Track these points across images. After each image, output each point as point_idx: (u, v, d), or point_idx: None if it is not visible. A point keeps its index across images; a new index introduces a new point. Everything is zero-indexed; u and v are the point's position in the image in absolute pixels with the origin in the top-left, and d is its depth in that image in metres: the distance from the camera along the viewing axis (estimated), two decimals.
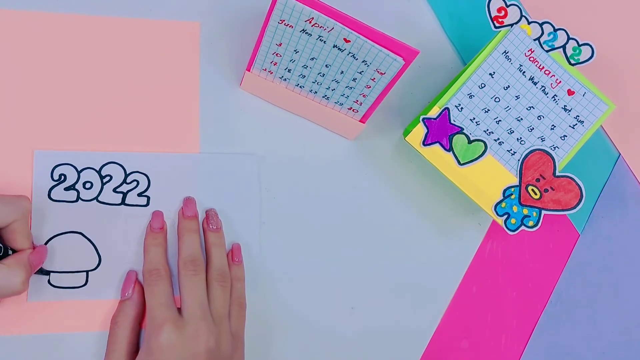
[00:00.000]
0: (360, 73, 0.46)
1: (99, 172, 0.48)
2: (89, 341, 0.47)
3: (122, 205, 0.49)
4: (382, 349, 0.53)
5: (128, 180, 0.49)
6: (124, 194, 0.49)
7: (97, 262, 0.48)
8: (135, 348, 0.46)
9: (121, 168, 0.49)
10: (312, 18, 0.42)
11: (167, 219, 0.49)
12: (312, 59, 0.46)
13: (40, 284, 0.46)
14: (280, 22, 0.44)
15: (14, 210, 0.42)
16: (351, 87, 0.48)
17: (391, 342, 0.53)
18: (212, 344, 0.43)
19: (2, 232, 0.43)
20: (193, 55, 0.52)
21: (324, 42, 0.44)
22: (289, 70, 0.48)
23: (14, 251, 0.43)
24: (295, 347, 0.51)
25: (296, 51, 0.46)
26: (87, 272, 0.47)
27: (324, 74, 0.48)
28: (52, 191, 0.47)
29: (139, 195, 0.49)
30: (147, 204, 0.49)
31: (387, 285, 0.53)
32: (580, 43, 0.52)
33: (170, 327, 0.43)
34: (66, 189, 0.48)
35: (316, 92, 0.50)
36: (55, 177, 0.47)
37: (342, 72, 0.47)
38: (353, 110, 0.50)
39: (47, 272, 0.46)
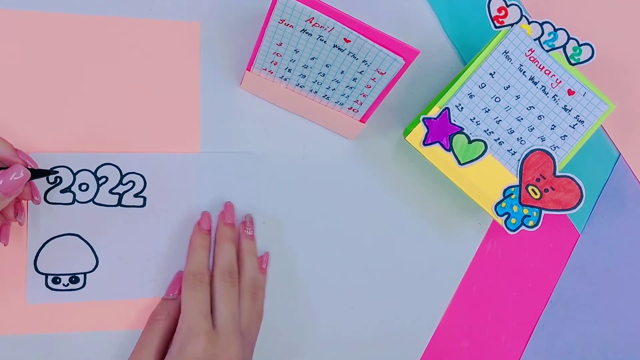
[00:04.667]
0: (360, 73, 0.46)
1: (94, 173, 0.48)
2: (87, 341, 0.47)
3: (119, 207, 0.49)
4: (382, 349, 0.53)
5: (124, 182, 0.49)
6: (120, 195, 0.49)
7: (95, 264, 0.48)
8: (165, 347, 0.46)
9: (117, 169, 0.49)
10: (313, 18, 0.42)
11: (165, 219, 0.49)
12: (313, 58, 0.46)
13: (38, 287, 0.46)
14: (281, 21, 0.44)
15: None
16: (351, 87, 0.48)
17: (391, 342, 0.53)
18: (240, 356, 0.44)
19: None
20: (193, 55, 0.52)
21: (324, 42, 0.44)
22: (290, 70, 0.48)
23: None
24: (295, 347, 0.51)
25: (296, 51, 0.46)
26: (84, 274, 0.47)
27: (324, 74, 0.48)
28: (48, 194, 0.47)
29: (135, 196, 0.49)
30: (144, 205, 0.49)
31: (387, 284, 0.53)
32: (580, 43, 0.52)
33: (206, 338, 0.43)
34: (62, 191, 0.48)
35: (316, 92, 0.50)
36: (51, 179, 0.47)
37: (342, 72, 0.47)
38: (353, 110, 0.50)
39: (47, 172, 0.45)
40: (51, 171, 0.46)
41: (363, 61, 0.45)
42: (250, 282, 0.48)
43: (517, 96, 0.52)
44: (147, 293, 0.48)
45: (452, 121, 0.51)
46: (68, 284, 0.47)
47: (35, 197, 0.46)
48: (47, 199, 0.47)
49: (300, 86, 0.50)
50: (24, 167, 0.42)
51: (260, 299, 0.49)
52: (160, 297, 0.48)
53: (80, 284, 0.47)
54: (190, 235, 0.49)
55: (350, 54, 0.45)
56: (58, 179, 0.47)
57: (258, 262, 0.50)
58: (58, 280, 0.47)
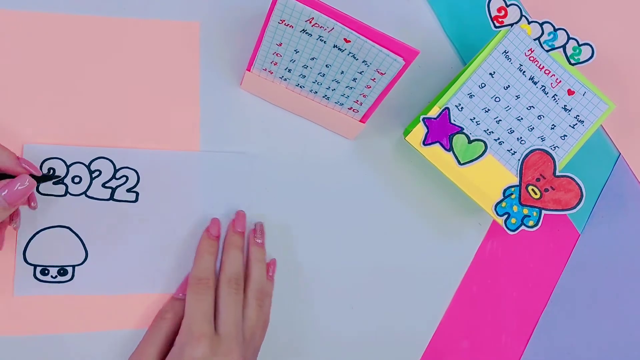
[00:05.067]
0: (360, 73, 0.46)
1: (88, 166, 0.48)
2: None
3: (111, 201, 0.48)
4: (382, 349, 0.53)
5: (117, 176, 0.49)
6: (113, 190, 0.49)
7: (84, 257, 0.48)
8: (169, 346, 0.45)
9: (110, 163, 0.49)
10: (312, 18, 0.42)
11: (157, 215, 0.49)
12: (313, 59, 0.46)
13: (26, 278, 0.46)
14: (281, 22, 0.44)
15: None
16: (351, 87, 0.48)
17: (391, 342, 0.53)
18: None
19: None
20: (193, 55, 0.52)
21: (324, 42, 0.44)
22: (289, 70, 0.48)
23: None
24: (295, 347, 0.51)
25: (296, 51, 0.46)
26: (73, 266, 0.47)
27: (324, 74, 0.48)
28: (41, 185, 0.47)
29: (128, 191, 0.49)
30: (136, 200, 0.49)
31: (387, 284, 0.53)
32: (580, 43, 0.52)
33: (207, 342, 0.43)
34: (55, 183, 0.47)
35: (316, 92, 0.50)
36: (44, 170, 0.47)
37: (342, 72, 0.47)
38: (353, 110, 0.50)
39: (50, 176, 0.46)
40: (54, 175, 0.46)
41: (363, 61, 0.45)
42: (257, 289, 0.47)
43: (517, 96, 0.52)
44: (136, 289, 0.48)
45: (452, 121, 0.51)
46: (56, 276, 0.47)
47: (32, 203, 0.45)
48: (40, 190, 0.47)
49: (300, 86, 0.50)
50: (29, 177, 0.42)
51: (267, 306, 0.49)
52: (149, 293, 0.48)
53: (69, 276, 0.47)
54: (199, 241, 0.49)
55: (350, 54, 0.45)
56: (51, 170, 0.47)
57: (266, 270, 0.50)
58: (46, 271, 0.47)
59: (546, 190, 0.52)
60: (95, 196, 0.48)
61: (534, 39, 0.52)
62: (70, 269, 0.47)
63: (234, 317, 0.45)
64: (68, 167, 0.48)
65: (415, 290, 0.54)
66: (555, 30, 0.52)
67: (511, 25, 0.52)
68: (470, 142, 0.51)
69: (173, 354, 0.43)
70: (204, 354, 0.42)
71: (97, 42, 0.50)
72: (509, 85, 0.52)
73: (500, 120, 0.52)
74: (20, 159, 0.44)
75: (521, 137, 0.52)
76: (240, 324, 0.45)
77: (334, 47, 0.45)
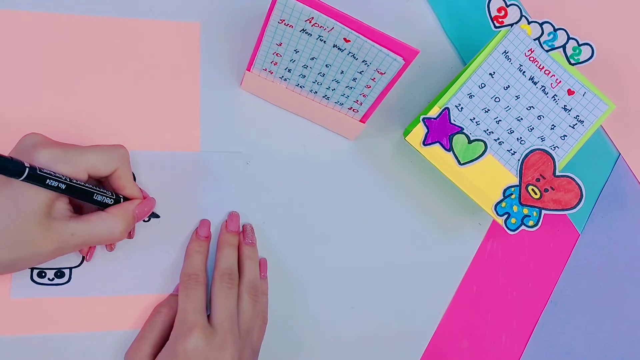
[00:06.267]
0: (360, 73, 0.46)
1: None
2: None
3: None
4: (382, 349, 0.53)
5: None
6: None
7: (81, 259, 0.48)
8: (164, 342, 0.45)
9: None
10: (312, 18, 0.43)
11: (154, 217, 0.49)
12: (312, 58, 0.46)
13: (23, 281, 0.46)
14: (280, 21, 0.44)
15: (115, 156, 0.43)
16: (351, 87, 0.48)
17: (391, 342, 0.53)
18: (235, 358, 0.43)
19: (110, 181, 0.44)
20: (193, 55, 0.52)
21: (324, 41, 0.44)
22: (289, 70, 0.48)
23: (126, 199, 0.45)
24: (294, 347, 0.51)
25: (296, 51, 0.46)
26: (70, 268, 0.47)
27: (324, 74, 0.48)
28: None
29: None
30: None
31: (387, 285, 0.53)
32: (580, 43, 0.52)
33: (199, 333, 0.43)
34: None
35: (316, 92, 0.50)
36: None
37: (342, 72, 0.47)
38: (353, 110, 0.51)
39: (158, 215, 0.49)
40: (153, 214, 0.49)
41: (363, 61, 0.45)
42: (250, 284, 0.47)
43: (516, 96, 0.52)
44: (134, 290, 0.48)
45: (452, 121, 0.51)
46: (53, 279, 0.47)
47: (132, 233, 0.48)
48: None
49: (300, 86, 0.50)
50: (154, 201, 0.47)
51: (263, 302, 0.49)
52: (145, 294, 0.48)
53: (66, 278, 0.47)
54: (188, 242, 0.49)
55: (350, 54, 0.45)
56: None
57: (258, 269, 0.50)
58: (43, 274, 0.47)
59: (546, 190, 0.52)
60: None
61: (534, 39, 0.52)
62: (67, 271, 0.47)
63: (227, 310, 0.45)
64: None
65: (415, 290, 0.54)
66: (555, 30, 0.52)
67: (511, 25, 0.52)
68: (470, 142, 0.51)
69: (167, 348, 0.43)
70: (197, 345, 0.42)
71: (97, 43, 0.50)
72: (509, 86, 0.52)
73: (500, 120, 0.52)
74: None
75: (521, 137, 0.52)
76: (235, 318, 0.45)
77: (333, 46, 0.45)
